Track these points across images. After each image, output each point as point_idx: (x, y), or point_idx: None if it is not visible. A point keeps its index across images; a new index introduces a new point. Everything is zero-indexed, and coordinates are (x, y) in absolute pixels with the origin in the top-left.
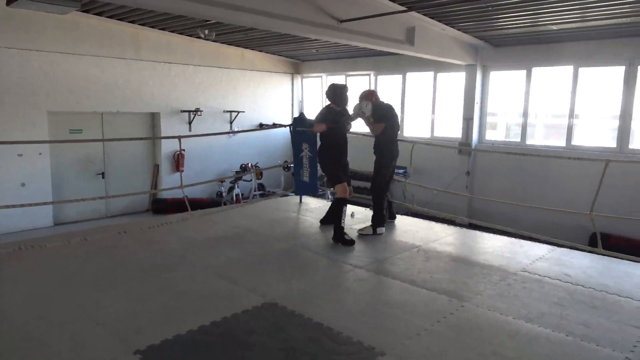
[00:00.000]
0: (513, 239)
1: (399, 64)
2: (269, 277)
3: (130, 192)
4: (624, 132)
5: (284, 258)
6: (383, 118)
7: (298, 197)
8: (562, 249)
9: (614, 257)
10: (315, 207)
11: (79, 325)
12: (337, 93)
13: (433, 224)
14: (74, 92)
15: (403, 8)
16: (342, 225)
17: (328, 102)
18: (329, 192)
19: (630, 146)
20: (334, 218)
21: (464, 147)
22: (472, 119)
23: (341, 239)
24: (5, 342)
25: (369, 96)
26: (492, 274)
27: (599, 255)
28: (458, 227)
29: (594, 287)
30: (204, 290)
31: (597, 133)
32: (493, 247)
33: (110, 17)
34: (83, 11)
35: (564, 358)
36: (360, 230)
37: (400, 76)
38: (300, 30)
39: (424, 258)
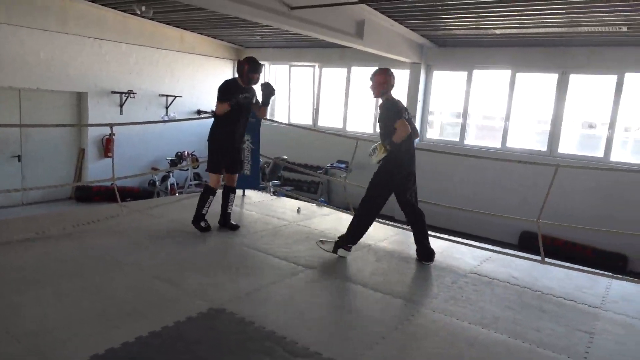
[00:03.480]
0: (458, 238)
1: (345, 58)
2: (214, 278)
3: (52, 177)
4: (554, 137)
5: (229, 257)
6: (400, 114)
7: (238, 190)
8: (506, 249)
9: (558, 265)
10: (259, 200)
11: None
12: (242, 69)
13: (381, 221)
14: None
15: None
16: (203, 212)
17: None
18: (270, 185)
19: (559, 150)
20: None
21: None
22: (414, 117)
23: (197, 224)
24: None
25: (385, 82)
26: (444, 275)
27: (537, 256)
28: (397, 224)
29: (541, 289)
30: (141, 295)
31: (527, 136)
32: (441, 247)
33: None
34: None
35: None
36: (320, 242)
37: (345, 70)
38: (250, 13)
39: (375, 258)
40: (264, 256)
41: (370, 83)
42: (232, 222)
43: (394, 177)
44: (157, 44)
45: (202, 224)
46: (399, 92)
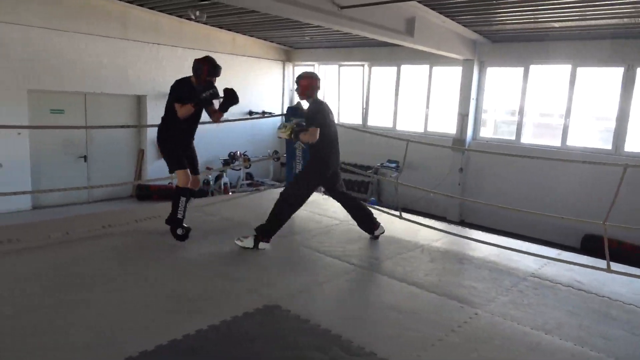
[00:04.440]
0: (517, 241)
1: (394, 56)
2: (268, 275)
3: (114, 176)
4: (620, 135)
5: (282, 254)
6: (317, 119)
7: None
8: (568, 253)
9: (626, 274)
10: (310, 200)
11: (67, 327)
12: (200, 69)
13: (433, 222)
14: (56, 70)
15: None
16: (179, 217)
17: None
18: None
19: (626, 149)
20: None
21: (457, 144)
22: (467, 115)
23: (173, 232)
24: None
25: (309, 86)
26: (502, 278)
27: (603, 261)
28: (452, 225)
29: (608, 295)
30: (200, 290)
31: (588, 134)
32: (498, 249)
33: None
34: None
35: None
36: (238, 240)
37: (395, 68)
38: (300, 14)
39: (429, 259)
40: (316, 254)
41: (296, 86)
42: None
43: (324, 176)
44: (210, 47)
45: (179, 231)
46: (452, 90)
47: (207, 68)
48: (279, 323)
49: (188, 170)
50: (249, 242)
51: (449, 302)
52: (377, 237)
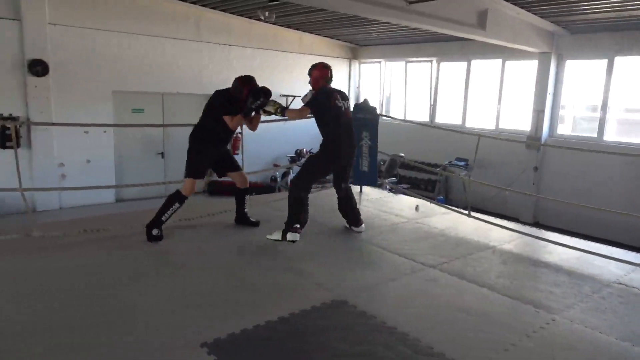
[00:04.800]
0: (600, 245)
1: (464, 50)
2: (335, 270)
3: None
4: None
5: (348, 250)
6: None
7: (357, 186)
8: None
9: None
10: (376, 197)
11: (147, 312)
12: (240, 92)
13: (505, 222)
14: (137, 72)
15: None
16: (163, 219)
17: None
18: (387, 182)
19: None
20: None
21: (533, 141)
22: (543, 111)
23: (149, 231)
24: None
25: (321, 76)
26: (582, 284)
27: None
28: (526, 226)
29: None
30: (268, 282)
31: None
32: (578, 252)
33: None
34: None
35: None
36: (269, 235)
37: (465, 63)
38: (369, 11)
39: (501, 260)
40: (382, 252)
41: (309, 78)
42: (251, 219)
43: (335, 165)
44: (278, 47)
45: (154, 231)
46: (526, 84)
47: (246, 93)
48: (346, 318)
49: (196, 183)
50: (277, 235)
51: (523, 306)
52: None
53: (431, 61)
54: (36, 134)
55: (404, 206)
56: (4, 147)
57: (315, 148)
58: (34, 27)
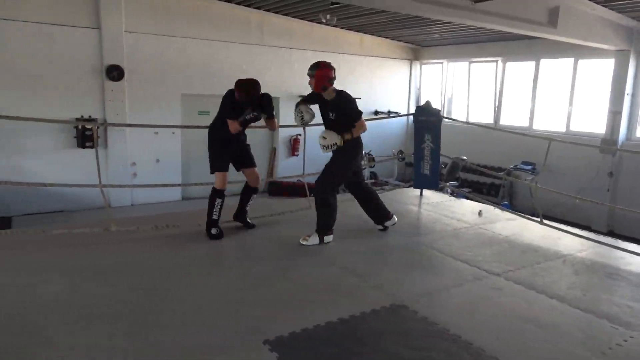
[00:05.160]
0: None
1: (533, 49)
2: (394, 274)
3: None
4: None
5: (408, 254)
6: (357, 108)
7: (416, 189)
8: None
9: None
10: (437, 201)
11: (210, 307)
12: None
13: (577, 230)
14: (203, 76)
15: None
16: (214, 217)
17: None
18: (448, 185)
19: None
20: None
21: (608, 145)
22: (620, 112)
23: (208, 231)
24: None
25: (326, 76)
26: None
27: None
28: (600, 236)
29: None
30: (327, 283)
31: None
32: None
33: (238, 3)
34: None
35: None
36: (303, 239)
37: (533, 63)
38: (432, 11)
39: (573, 271)
40: (443, 257)
41: (309, 79)
42: (248, 220)
43: (352, 166)
44: (338, 49)
45: (213, 231)
46: (600, 85)
47: (236, 98)
48: (406, 323)
49: (227, 174)
50: (314, 239)
51: (597, 320)
52: (386, 228)
53: (496, 61)
54: (112, 135)
55: (466, 211)
56: (83, 147)
57: (378, 150)
58: (111, 35)
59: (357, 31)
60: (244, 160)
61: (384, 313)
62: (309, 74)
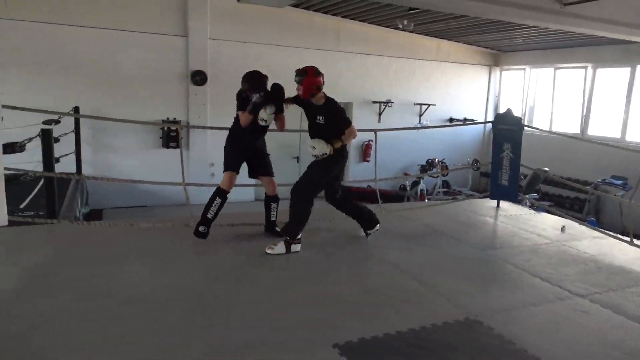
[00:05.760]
0: None
1: (628, 55)
2: (467, 287)
3: None
4: None
5: (482, 267)
6: (345, 117)
7: (493, 201)
8: None
9: None
10: (516, 214)
11: (281, 305)
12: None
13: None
14: (280, 81)
15: None
16: (208, 216)
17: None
18: (527, 198)
19: None
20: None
21: None
22: None
23: (196, 227)
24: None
25: (315, 82)
26: None
27: None
28: None
29: None
30: (396, 291)
31: None
32: None
33: (316, 10)
34: (293, 6)
35: None
36: (269, 249)
37: (628, 69)
38: (517, 15)
39: None
40: (521, 273)
41: (297, 85)
42: (277, 229)
43: (330, 174)
44: (414, 55)
45: (201, 228)
46: None
47: (248, 87)
48: (480, 339)
49: (234, 176)
50: (280, 248)
51: None
52: (368, 235)
53: (585, 67)
54: (193, 136)
55: (547, 226)
56: (167, 147)
57: (452, 159)
58: (197, 42)
59: (434, 37)
60: (259, 169)
61: (456, 327)
62: (296, 80)
